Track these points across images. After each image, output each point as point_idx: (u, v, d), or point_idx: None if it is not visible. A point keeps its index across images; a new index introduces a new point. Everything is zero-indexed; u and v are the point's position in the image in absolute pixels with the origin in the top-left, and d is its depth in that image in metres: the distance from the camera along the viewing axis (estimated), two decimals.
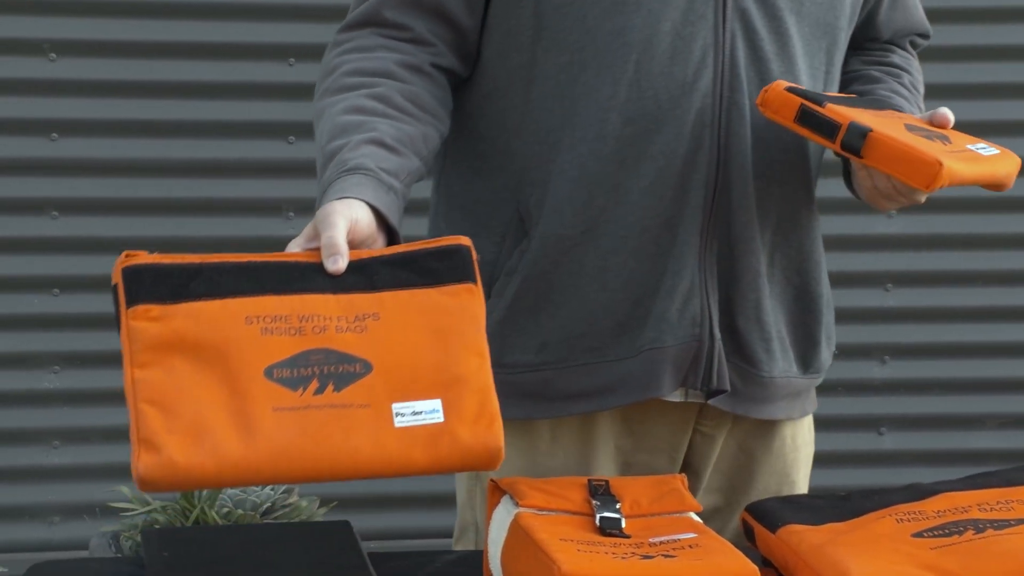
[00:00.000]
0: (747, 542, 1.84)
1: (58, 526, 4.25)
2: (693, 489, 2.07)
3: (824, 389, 2.16)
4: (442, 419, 1.56)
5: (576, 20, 1.90)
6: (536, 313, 1.95)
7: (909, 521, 1.74)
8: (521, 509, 1.76)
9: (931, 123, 1.93)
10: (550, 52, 1.92)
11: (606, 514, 1.75)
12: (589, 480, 1.81)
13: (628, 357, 1.95)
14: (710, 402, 2.00)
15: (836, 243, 2.11)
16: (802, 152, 2.00)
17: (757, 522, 1.81)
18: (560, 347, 1.96)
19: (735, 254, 1.96)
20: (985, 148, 1.92)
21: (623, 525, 1.73)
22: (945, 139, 1.89)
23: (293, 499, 3.69)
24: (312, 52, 4.24)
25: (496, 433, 1.57)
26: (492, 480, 1.85)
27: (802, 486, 2.13)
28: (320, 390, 1.55)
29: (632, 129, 1.91)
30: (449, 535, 2.16)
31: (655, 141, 1.91)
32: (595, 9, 1.90)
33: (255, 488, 3.66)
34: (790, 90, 1.87)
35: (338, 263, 1.64)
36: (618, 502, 1.77)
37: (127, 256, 1.60)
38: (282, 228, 4.30)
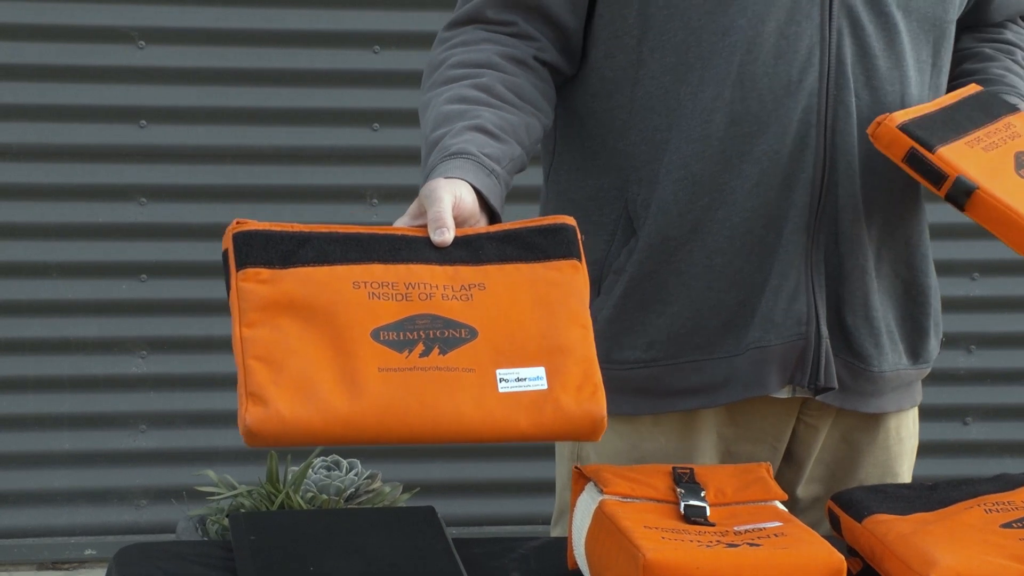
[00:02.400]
0: (833, 531, 1.83)
1: (145, 509, 4.30)
2: (795, 479, 2.07)
3: None
4: (546, 386, 1.57)
5: (681, 21, 1.90)
6: (644, 311, 1.96)
7: (998, 511, 1.73)
8: (605, 496, 1.76)
9: None
10: (655, 53, 1.92)
11: (691, 502, 1.74)
12: (674, 468, 1.81)
13: (735, 355, 1.97)
14: (818, 398, 2.00)
15: None
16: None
17: (843, 511, 1.80)
18: (668, 344, 1.97)
19: (842, 251, 1.96)
20: None
21: (708, 513, 1.73)
22: None
23: (376, 484, 3.70)
24: (397, 40, 4.25)
25: (600, 402, 1.58)
26: (576, 467, 1.86)
27: (905, 479, 2.13)
28: (426, 353, 1.56)
29: (737, 129, 1.91)
30: (531, 522, 2.17)
31: (759, 141, 1.91)
32: (700, 10, 1.90)
33: (339, 473, 3.68)
34: (903, 128, 1.85)
35: (444, 235, 1.67)
36: (703, 490, 1.77)
37: (238, 223, 1.64)
38: (366, 215, 4.32)
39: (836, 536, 1.82)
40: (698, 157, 1.91)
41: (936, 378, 4.58)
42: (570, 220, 1.71)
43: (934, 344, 2.09)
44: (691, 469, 1.81)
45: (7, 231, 4.19)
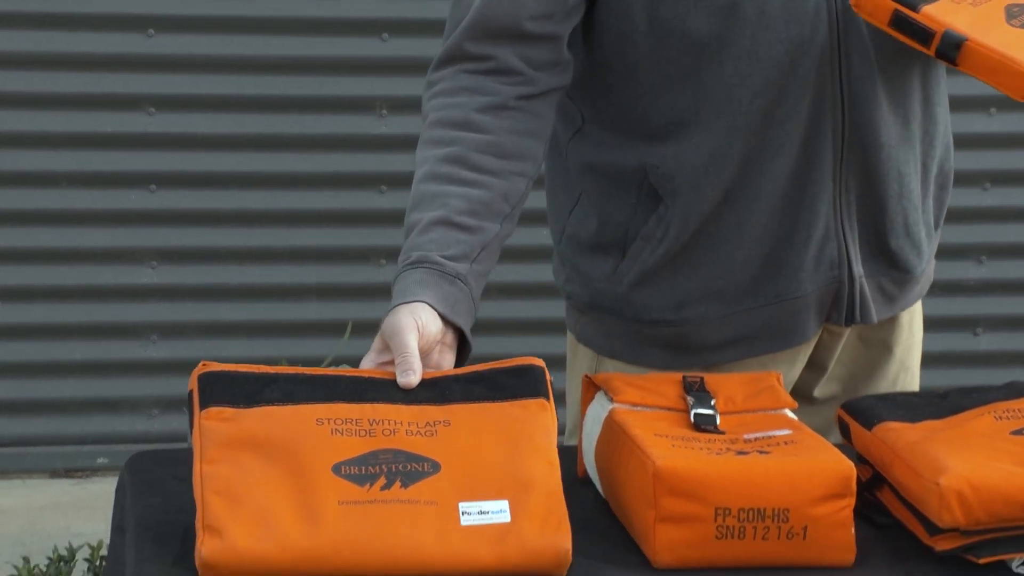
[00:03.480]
0: (843, 439, 1.84)
1: (156, 418, 4.32)
2: (815, 382, 2.09)
3: None
4: (509, 519, 1.55)
5: (689, 7, 1.88)
6: (674, 275, 1.97)
7: (1008, 419, 1.73)
8: (616, 405, 1.76)
9: None
10: (666, 42, 1.90)
11: (700, 410, 1.75)
12: (684, 376, 1.81)
13: (766, 304, 1.98)
14: (876, 321, 2.03)
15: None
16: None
17: (853, 419, 1.81)
18: (698, 304, 1.98)
19: (877, 187, 1.97)
20: None
21: (718, 421, 1.73)
22: None
23: None
24: None
25: (564, 536, 1.55)
26: (587, 376, 1.86)
27: (915, 373, 2.16)
28: (387, 486, 1.55)
29: (760, 100, 1.91)
30: None
31: (781, 105, 1.91)
32: None
33: None
34: None
35: (410, 377, 1.65)
36: (712, 399, 1.77)
37: (204, 365, 1.64)
38: (375, 126, 4.31)
39: (846, 444, 1.82)
40: (727, 131, 1.91)
41: (946, 289, 4.59)
42: (538, 362, 1.69)
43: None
44: (701, 378, 1.81)
45: (15, 140, 4.18)
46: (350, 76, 4.28)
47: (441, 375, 1.69)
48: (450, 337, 1.76)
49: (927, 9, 1.81)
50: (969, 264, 4.49)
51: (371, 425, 1.60)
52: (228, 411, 1.59)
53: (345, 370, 1.67)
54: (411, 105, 4.27)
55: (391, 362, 1.69)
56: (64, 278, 4.23)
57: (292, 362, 3.74)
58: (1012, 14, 1.84)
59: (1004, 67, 1.78)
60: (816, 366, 2.08)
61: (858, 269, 1.99)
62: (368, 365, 1.72)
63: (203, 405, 1.60)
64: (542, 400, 1.65)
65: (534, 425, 1.63)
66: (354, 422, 1.60)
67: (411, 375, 1.66)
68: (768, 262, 1.96)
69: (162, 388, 4.29)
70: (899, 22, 1.81)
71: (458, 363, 1.77)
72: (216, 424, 1.59)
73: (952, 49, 1.79)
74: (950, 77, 2.05)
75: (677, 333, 2.00)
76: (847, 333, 2.07)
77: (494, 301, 4.41)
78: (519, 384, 1.66)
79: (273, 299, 4.31)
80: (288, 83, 4.25)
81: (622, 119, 1.97)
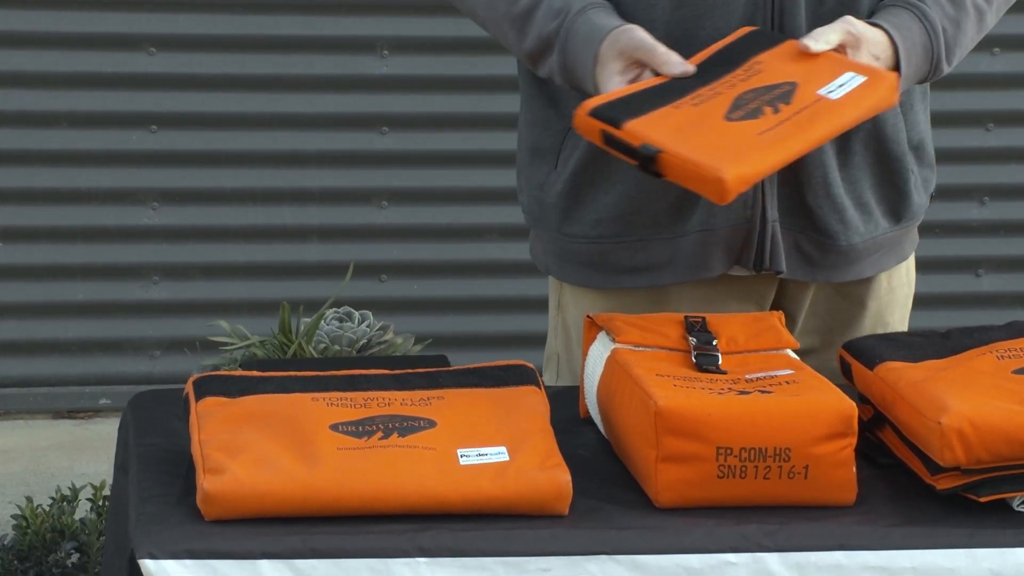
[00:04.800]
0: (844, 379, 1.84)
1: (159, 360, 4.33)
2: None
3: (921, 230, 2.14)
4: (508, 458, 1.58)
5: None
6: (594, 188, 1.98)
7: (1010, 358, 1.73)
8: (617, 345, 1.76)
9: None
10: None
11: (703, 350, 1.75)
12: (686, 317, 1.81)
13: (680, 236, 1.97)
14: (784, 276, 2.01)
15: (936, 83, 2.06)
16: (867, 11, 1.94)
17: (855, 359, 1.81)
18: (615, 223, 1.98)
19: None
20: (851, 81, 1.79)
21: (720, 362, 1.73)
22: (784, 99, 1.77)
23: (389, 336, 3.71)
24: None
25: (565, 472, 1.58)
26: (588, 316, 1.86)
27: (897, 328, 2.12)
28: (385, 437, 1.60)
29: (681, 13, 1.89)
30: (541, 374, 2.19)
31: (704, 25, 1.89)
32: None
33: (351, 324, 3.69)
34: (594, 113, 1.78)
35: (686, 67, 1.80)
36: (715, 339, 1.77)
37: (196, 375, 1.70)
38: (377, 66, 4.30)
39: (847, 384, 1.82)
40: None
41: (948, 230, 4.58)
42: (530, 364, 1.74)
43: (919, 201, 2.07)
44: (703, 318, 1.81)
45: (14, 80, 4.17)
46: (351, 16, 4.26)
47: (435, 369, 1.74)
48: None
49: (630, 124, 1.76)
50: (971, 204, 4.48)
51: (366, 401, 1.65)
52: (224, 399, 1.65)
53: (336, 371, 1.72)
54: (413, 45, 4.26)
55: (639, 77, 1.82)
56: (65, 218, 4.23)
57: (293, 304, 3.74)
58: (739, 104, 1.78)
59: (695, 175, 1.72)
60: (786, 316, 2.06)
61: (772, 214, 1.97)
62: (616, 86, 1.81)
63: (199, 397, 1.66)
64: (533, 387, 1.71)
65: (526, 401, 1.68)
66: (349, 399, 1.65)
67: (683, 66, 1.81)
68: (686, 193, 1.90)
69: (164, 329, 4.29)
70: (609, 141, 1.77)
71: None
72: (212, 408, 1.64)
73: (650, 162, 1.74)
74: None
75: (596, 251, 2.00)
76: (813, 285, 2.05)
77: (490, 243, 4.41)
78: (510, 376, 1.72)
79: (275, 240, 4.31)
80: (289, 23, 4.24)
81: None
